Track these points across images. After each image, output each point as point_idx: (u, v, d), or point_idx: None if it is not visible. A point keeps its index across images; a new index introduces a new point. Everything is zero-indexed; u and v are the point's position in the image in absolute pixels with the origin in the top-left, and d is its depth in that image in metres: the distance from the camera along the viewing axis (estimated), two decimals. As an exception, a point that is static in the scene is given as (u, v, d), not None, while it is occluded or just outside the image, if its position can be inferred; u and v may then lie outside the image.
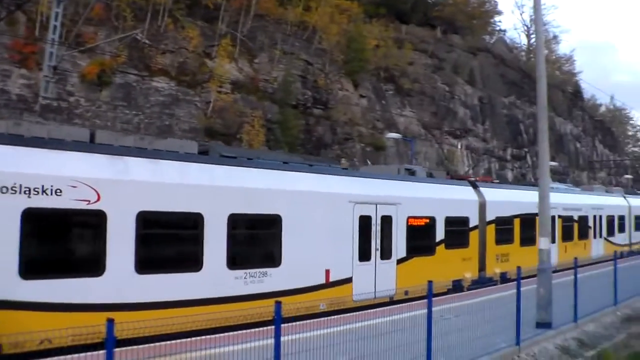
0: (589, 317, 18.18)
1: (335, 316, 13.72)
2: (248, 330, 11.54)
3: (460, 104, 58.39)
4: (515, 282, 14.69)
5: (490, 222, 24.68)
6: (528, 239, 25.90)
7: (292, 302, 13.91)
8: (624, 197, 42.47)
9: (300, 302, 14.63)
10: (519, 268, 14.37)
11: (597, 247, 34.79)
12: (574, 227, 32.27)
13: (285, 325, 8.58)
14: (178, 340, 9.76)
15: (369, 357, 9.83)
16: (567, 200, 32.40)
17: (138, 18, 32.33)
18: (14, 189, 11.22)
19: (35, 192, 11.51)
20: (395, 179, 21.32)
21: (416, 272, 19.75)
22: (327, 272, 17.25)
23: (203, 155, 15.59)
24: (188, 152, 15.06)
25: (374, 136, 44.32)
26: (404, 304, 14.50)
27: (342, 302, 16.65)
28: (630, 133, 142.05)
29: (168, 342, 9.59)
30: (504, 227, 25.58)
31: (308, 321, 12.73)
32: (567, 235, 31.17)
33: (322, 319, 13.19)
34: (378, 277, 18.88)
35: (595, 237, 34.98)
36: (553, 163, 62.96)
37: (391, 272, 19.44)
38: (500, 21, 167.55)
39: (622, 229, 39.15)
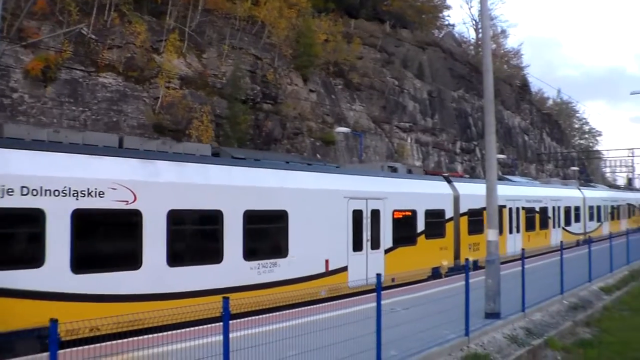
0: (536, 306, 18.69)
1: (285, 311, 14.18)
2: (198, 327, 11.68)
3: (410, 98, 58.97)
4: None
5: (463, 214, 27.40)
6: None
7: (298, 289, 16.62)
8: (579, 189, 45.60)
9: (304, 289, 16.91)
10: (467, 260, 14.91)
11: (556, 236, 37.51)
12: (536, 218, 35.21)
13: (234, 321, 9.03)
14: (124, 340, 10.24)
15: (319, 350, 9.92)
16: (529, 192, 35.41)
17: (83, 12, 31.94)
18: (64, 192, 12.92)
19: (82, 195, 13.20)
20: (381, 175, 23.87)
21: (401, 261, 22.21)
22: (327, 261, 19.52)
23: (218, 157, 17.58)
24: (204, 155, 16.97)
25: (324, 131, 44.55)
26: (352, 298, 15.68)
27: (339, 288, 18.69)
28: (576, 126, 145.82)
29: (115, 342, 10.08)
30: (475, 219, 28.05)
31: (258, 317, 13.00)
32: (530, 225, 34.18)
33: (272, 314, 13.70)
34: (369, 266, 21.07)
35: (554, 226, 38.05)
36: (501, 156, 64.14)
37: (380, 261, 21.71)
38: (449, 16, 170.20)
39: (577, 219, 42.28)
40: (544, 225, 36.59)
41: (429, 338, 13.22)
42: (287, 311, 14.05)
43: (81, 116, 29.63)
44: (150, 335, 10.43)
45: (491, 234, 16.99)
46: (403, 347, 12.25)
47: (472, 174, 60.58)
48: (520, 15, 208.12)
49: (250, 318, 12.36)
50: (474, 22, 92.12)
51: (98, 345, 9.87)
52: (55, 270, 12.58)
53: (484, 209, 26.59)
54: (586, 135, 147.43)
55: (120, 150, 14.82)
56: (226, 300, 6.83)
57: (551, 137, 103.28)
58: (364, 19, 60.13)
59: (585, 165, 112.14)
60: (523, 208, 33.68)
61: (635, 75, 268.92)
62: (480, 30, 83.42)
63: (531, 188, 37.04)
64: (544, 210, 36.55)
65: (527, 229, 33.89)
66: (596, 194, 48.76)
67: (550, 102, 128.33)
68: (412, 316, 14.15)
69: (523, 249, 19.10)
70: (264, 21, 43.20)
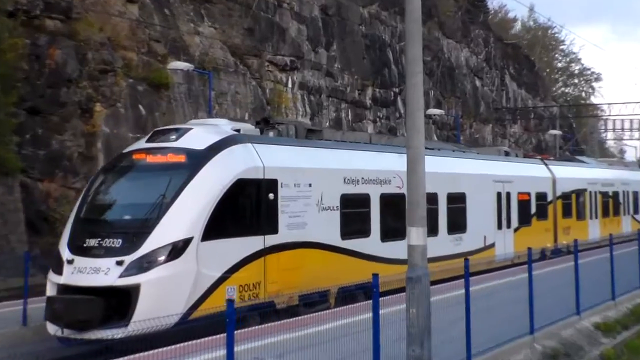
0: (489, 353, 18.75)
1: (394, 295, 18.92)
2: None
3: (293, 16, 59.70)
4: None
5: (558, 197, 41.73)
6: (581, 214, 45.18)
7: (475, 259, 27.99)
8: None
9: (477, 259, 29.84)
10: (375, 276, 15.73)
11: (626, 224, 51.88)
12: (610, 203, 49.99)
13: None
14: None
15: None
16: (603, 175, 50.49)
17: None
18: (371, 181, 26.45)
19: (384, 183, 27.05)
20: (508, 160, 39.42)
21: (523, 240, 35.24)
22: (485, 237, 33.80)
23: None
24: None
25: (151, 67, 44.96)
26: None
27: (491, 261, 32.66)
28: (559, 64, 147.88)
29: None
30: (566, 202, 43.04)
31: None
32: (605, 212, 48.86)
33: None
34: (506, 242, 35.25)
35: (624, 214, 52.61)
36: (437, 111, 65.91)
37: (510, 239, 35.83)
38: None
39: None
40: (617, 212, 51.37)
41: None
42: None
43: None
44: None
45: (415, 234, 16.86)
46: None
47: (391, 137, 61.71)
48: None
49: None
50: None
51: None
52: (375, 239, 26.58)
53: (573, 192, 44.36)
54: (575, 80, 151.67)
55: (390, 147, 29.06)
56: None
57: (518, 83, 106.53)
58: None
59: (572, 128, 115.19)
60: (600, 192, 48.37)
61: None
62: None
63: (604, 170, 52.71)
64: (616, 195, 51.33)
65: (603, 215, 48.54)
66: None
67: (518, 26, 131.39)
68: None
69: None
70: None
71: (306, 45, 60.79)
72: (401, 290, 17.23)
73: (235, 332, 12.90)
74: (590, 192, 46.44)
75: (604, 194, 48.78)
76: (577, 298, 24.57)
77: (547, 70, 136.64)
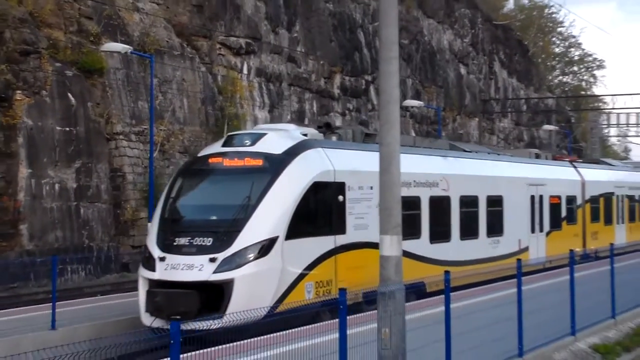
0: None
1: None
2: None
3: (249, -8, 59.87)
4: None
5: (587, 201, 47.55)
6: (608, 218, 51.26)
7: (506, 264, 32.38)
8: None
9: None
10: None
11: None
12: (636, 208, 56.92)
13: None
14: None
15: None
16: (629, 178, 56.90)
17: None
18: (421, 183, 30.99)
19: (432, 185, 31.73)
20: (542, 163, 45.62)
21: (554, 244, 41.41)
22: (519, 241, 38.94)
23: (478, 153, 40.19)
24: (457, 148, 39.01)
25: (82, 48, 44.82)
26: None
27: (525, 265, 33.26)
28: (557, 49, 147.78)
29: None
30: (594, 206, 48.88)
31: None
32: (631, 216, 55.63)
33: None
34: (539, 246, 40.79)
35: None
36: (415, 102, 65.95)
37: (542, 243, 41.48)
38: None
39: None
40: None
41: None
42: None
43: None
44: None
45: (388, 243, 17.14)
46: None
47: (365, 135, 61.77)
48: None
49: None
50: None
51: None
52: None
53: (601, 195, 50.04)
54: (575, 68, 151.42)
55: (435, 150, 34.98)
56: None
57: (509, 71, 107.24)
58: None
59: (571, 123, 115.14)
60: (626, 196, 54.89)
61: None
62: None
63: (631, 173, 59.20)
64: None
65: (630, 219, 55.17)
66: None
67: (511, 5, 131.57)
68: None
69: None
70: None
71: (264, 25, 61.18)
72: (458, 288, 23.58)
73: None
74: (618, 195, 52.72)
75: (631, 198, 55.62)
76: (572, 315, 24.14)
77: (543, 56, 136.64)
